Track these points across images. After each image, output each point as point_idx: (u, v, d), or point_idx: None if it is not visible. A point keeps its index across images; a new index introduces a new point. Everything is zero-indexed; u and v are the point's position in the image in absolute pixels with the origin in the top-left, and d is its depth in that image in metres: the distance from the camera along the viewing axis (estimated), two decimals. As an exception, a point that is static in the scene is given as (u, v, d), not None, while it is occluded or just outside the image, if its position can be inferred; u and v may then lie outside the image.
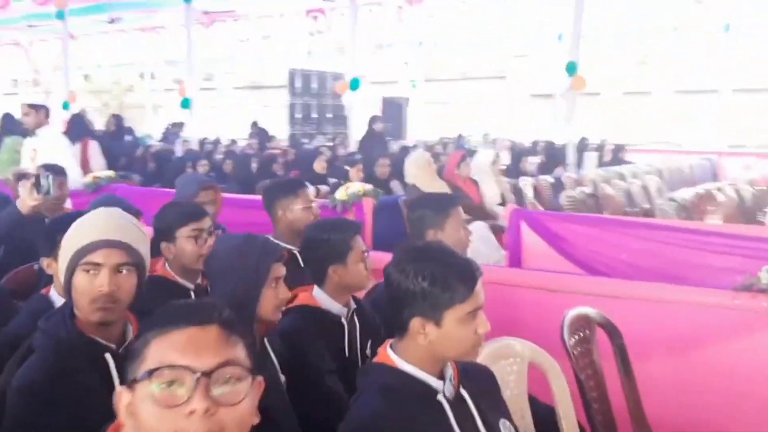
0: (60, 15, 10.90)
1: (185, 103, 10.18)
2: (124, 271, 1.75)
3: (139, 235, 1.81)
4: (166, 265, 2.69)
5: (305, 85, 13.35)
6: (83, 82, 19.96)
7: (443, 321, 1.61)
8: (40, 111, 5.19)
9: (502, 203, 6.64)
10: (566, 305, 3.14)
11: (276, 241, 2.56)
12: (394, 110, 14.38)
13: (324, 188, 6.36)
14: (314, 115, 13.65)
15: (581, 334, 2.55)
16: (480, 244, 5.81)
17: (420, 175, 5.81)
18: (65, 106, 10.83)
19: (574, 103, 8.07)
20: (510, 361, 2.22)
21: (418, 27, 13.90)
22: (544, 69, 15.87)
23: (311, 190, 3.27)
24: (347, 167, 6.15)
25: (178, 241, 2.66)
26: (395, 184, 6.76)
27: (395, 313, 1.65)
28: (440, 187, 5.85)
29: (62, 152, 5.19)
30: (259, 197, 6.19)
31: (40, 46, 16.64)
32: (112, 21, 14.17)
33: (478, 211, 6.12)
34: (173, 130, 14.12)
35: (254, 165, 7.75)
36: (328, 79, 13.52)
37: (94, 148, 7.21)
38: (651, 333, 3.07)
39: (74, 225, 1.79)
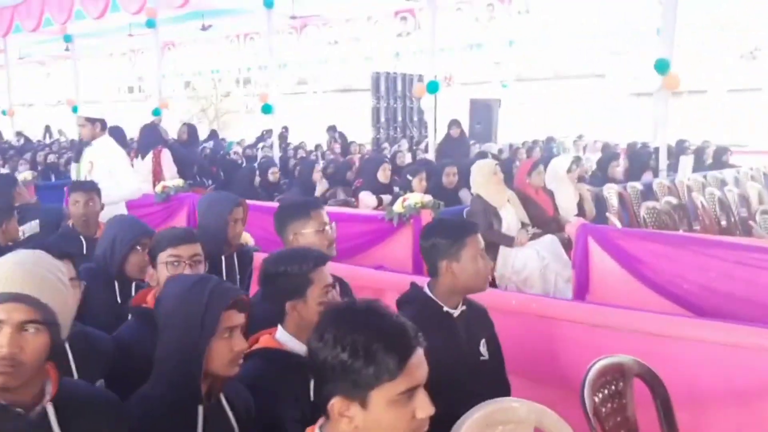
0: (150, 23, 11.14)
1: (266, 109, 10.17)
2: (31, 330, 1.49)
3: (55, 287, 1.55)
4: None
5: (390, 87, 13.14)
6: (184, 89, 20.69)
7: (369, 402, 1.29)
8: (96, 123, 5.19)
9: (582, 214, 6.13)
10: (605, 343, 2.72)
11: (233, 285, 2.20)
12: (484, 112, 13.92)
13: (387, 198, 6.06)
14: (399, 118, 13.41)
15: (612, 388, 2.15)
16: (551, 260, 5.37)
17: (484, 184, 5.43)
18: (156, 112, 11.06)
19: (666, 103, 7.39)
20: (510, 427, 1.84)
21: (510, 25, 13.34)
22: (643, 66, 14.93)
23: (325, 211, 2.95)
24: (409, 176, 5.82)
25: (159, 268, 2.47)
26: (465, 194, 6.37)
27: (317, 391, 1.34)
28: (506, 197, 5.45)
29: (117, 162, 5.17)
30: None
31: (145, 55, 17.24)
32: (204, 28, 14.45)
33: (551, 224, 5.67)
34: (267, 136, 14.31)
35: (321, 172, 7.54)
36: (413, 82, 13.25)
37: (166, 156, 7.27)
38: (712, 381, 2.60)
39: None
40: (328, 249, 2.86)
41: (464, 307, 2.59)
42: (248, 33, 15.70)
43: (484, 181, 5.43)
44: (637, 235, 4.55)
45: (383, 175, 6.29)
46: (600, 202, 6.32)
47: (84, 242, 3.73)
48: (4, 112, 13.91)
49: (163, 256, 2.46)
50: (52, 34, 12.92)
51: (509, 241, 5.28)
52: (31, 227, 4.21)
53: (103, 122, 5.24)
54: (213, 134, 14.73)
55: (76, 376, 2.07)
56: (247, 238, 4.16)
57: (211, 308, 1.76)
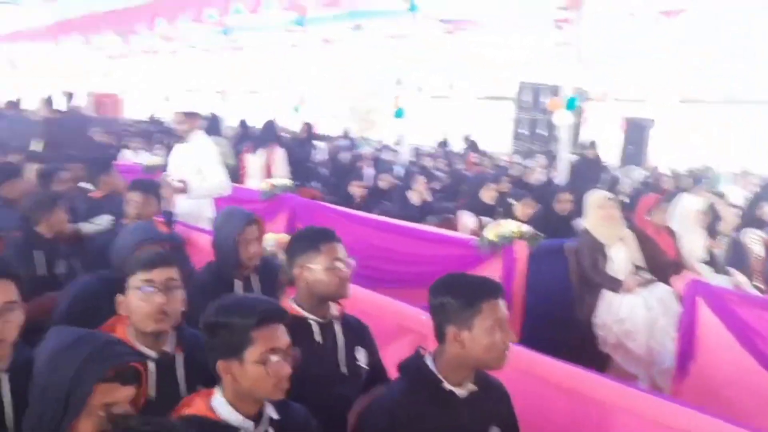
0: (299, 22, 11.29)
1: (398, 114, 9.96)
2: None
3: None
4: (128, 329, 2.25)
5: (534, 99, 12.47)
6: (339, 85, 21.02)
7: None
8: (193, 118, 5.18)
9: (712, 263, 5.33)
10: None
11: (124, 348, 1.78)
12: (636, 132, 12.85)
13: (488, 221, 5.59)
14: (541, 131, 12.69)
15: None
16: (660, 313, 4.67)
17: (592, 217, 4.83)
18: (295, 109, 11.21)
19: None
20: None
21: (674, 41, 12.19)
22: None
23: (340, 245, 2.59)
24: (511, 200, 5.31)
25: (129, 294, 2.22)
26: (579, 224, 5.75)
27: None
28: (619, 235, 4.81)
29: (207, 158, 5.12)
30: (419, 226, 5.70)
31: (294, 52, 17.65)
32: (356, 28, 14.53)
33: (669, 269, 4.94)
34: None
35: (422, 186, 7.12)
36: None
37: (279, 154, 7.26)
38: None
39: None
40: (338, 289, 2.51)
41: (473, 387, 2.15)
42: (400, 34, 15.58)
43: (593, 215, 4.85)
44: (761, 304, 3.76)
45: (487, 194, 5.83)
46: (736, 250, 5.44)
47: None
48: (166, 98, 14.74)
49: (134, 281, 2.23)
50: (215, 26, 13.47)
51: (615, 285, 4.67)
52: (101, 221, 4.14)
53: (199, 116, 5.23)
54: (348, 134, 14.77)
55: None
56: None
57: (82, 380, 1.47)
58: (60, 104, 11.11)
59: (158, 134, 12.89)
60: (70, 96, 11.27)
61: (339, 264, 2.52)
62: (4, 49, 20.36)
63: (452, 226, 5.98)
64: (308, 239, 2.60)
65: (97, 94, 18.52)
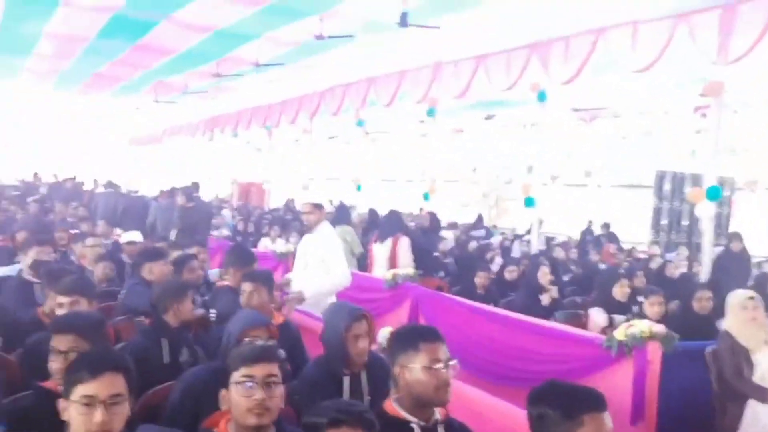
0: (431, 113, 11.55)
1: (529, 202, 9.78)
2: None
3: None
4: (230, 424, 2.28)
5: (675, 188, 11.88)
6: (470, 174, 21.15)
7: None
8: (321, 209, 5.36)
9: None
10: None
11: None
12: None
13: (620, 319, 5.27)
14: (684, 222, 12.00)
15: None
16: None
17: (734, 319, 4.44)
18: (425, 196, 11.32)
19: None
20: None
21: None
22: None
23: (442, 345, 2.50)
24: (641, 298, 4.99)
25: (231, 389, 2.25)
26: (720, 326, 5.29)
27: None
28: (763, 338, 4.37)
29: (331, 249, 5.24)
30: (545, 323, 5.46)
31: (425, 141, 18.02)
32: (488, 117, 14.72)
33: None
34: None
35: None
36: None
37: (404, 244, 7.30)
38: None
39: None
40: (436, 392, 2.41)
41: None
42: (531, 123, 15.59)
43: (734, 316, 4.45)
44: None
45: (620, 291, 5.52)
46: None
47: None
48: (303, 186, 15.43)
49: (235, 376, 2.26)
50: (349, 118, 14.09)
51: (762, 395, 4.22)
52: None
53: (324, 208, 5.40)
54: (479, 220, 14.66)
55: None
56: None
57: None
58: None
59: (294, 222, 13.45)
60: (197, 186, 12.11)
61: (438, 365, 2.43)
62: (167, 142, 22.38)
63: (581, 323, 5.69)
64: (408, 337, 2.54)
65: (242, 183, 19.79)
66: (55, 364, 2.64)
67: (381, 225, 8.04)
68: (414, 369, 2.43)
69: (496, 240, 11.97)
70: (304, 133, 15.70)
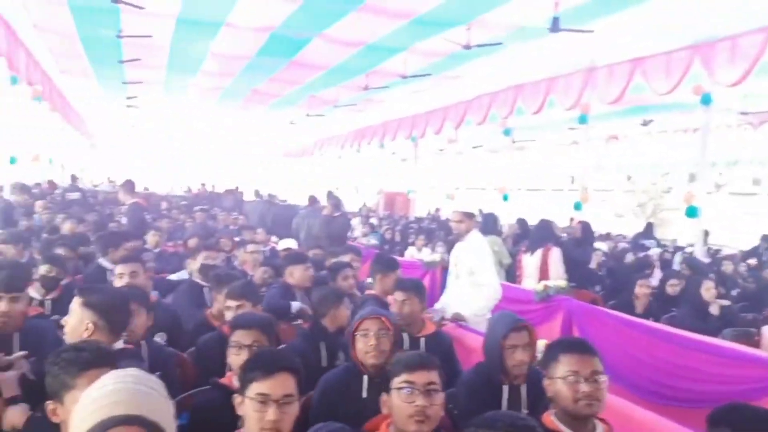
0: (583, 120, 11.19)
1: (691, 212, 9.18)
2: None
3: (159, 402, 1.50)
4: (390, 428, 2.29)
5: None
6: (625, 182, 20.23)
7: None
8: (471, 218, 5.31)
9: None
10: None
11: None
12: None
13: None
14: None
15: None
16: None
17: None
18: (577, 206, 10.95)
19: None
20: None
21: None
22: None
23: (585, 358, 2.38)
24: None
25: (391, 395, 2.27)
26: None
27: None
28: None
29: (480, 260, 5.17)
30: (712, 340, 5.07)
31: (576, 149, 17.47)
32: (645, 123, 14.00)
33: None
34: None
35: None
36: None
37: (555, 255, 7.09)
38: None
39: (84, 394, 1.56)
40: (576, 405, 2.32)
41: None
42: (693, 128, 14.66)
43: None
44: None
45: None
46: None
47: (408, 340, 3.76)
48: (447, 196, 15.45)
49: (396, 381, 2.27)
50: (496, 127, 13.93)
51: None
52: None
53: (475, 216, 5.34)
54: (648, 230, 13.90)
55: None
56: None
57: None
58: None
59: (439, 232, 13.47)
60: (331, 195, 12.45)
61: (574, 377, 2.32)
62: (318, 154, 23.22)
63: (753, 342, 5.24)
64: (552, 348, 2.50)
65: (388, 193, 20.13)
66: (238, 358, 2.78)
67: (531, 235, 7.85)
68: (555, 380, 2.40)
69: (655, 252, 11.31)
70: (449, 143, 15.70)
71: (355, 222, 14.01)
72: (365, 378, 2.97)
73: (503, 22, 8.94)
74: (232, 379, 2.83)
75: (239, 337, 2.84)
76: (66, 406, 1.98)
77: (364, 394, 2.95)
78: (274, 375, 2.17)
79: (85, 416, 1.46)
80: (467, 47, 9.40)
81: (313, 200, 12.27)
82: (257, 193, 16.09)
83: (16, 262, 3.63)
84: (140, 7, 8.37)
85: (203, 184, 18.94)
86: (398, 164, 23.26)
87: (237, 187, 18.29)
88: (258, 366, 2.21)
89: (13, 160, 10.90)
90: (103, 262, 5.76)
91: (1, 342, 3.00)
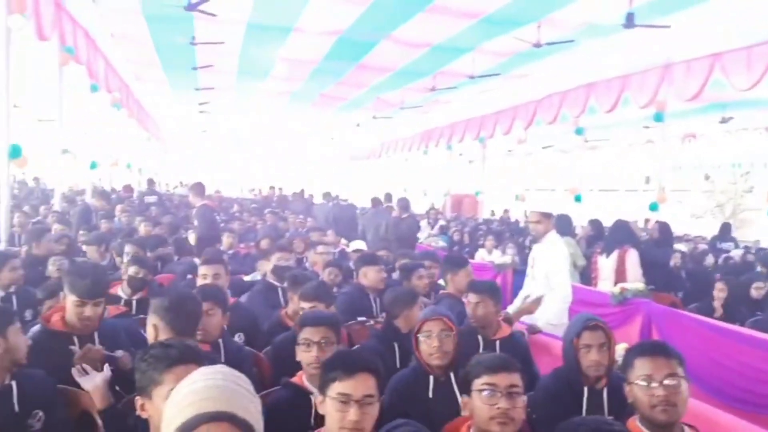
0: (658, 118, 10.86)
1: (776, 212, 8.77)
2: None
3: (247, 399, 1.49)
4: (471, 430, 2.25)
5: None
6: (702, 182, 19.54)
7: None
8: (549, 218, 5.21)
9: None
10: None
11: None
12: None
13: None
14: None
15: None
16: None
17: None
18: (653, 207, 10.62)
19: None
20: None
21: None
22: None
23: (659, 361, 2.27)
24: None
25: (473, 396, 2.21)
26: None
27: None
28: None
29: (555, 263, 5.06)
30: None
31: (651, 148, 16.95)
32: (723, 121, 13.47)
33: None
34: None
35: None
36: None
37: (632, 257, 6.88)
38: None
39: (174, 391, 1.56)
40: (652, 411, 2.26)
41: None
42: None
43: None
44: None
45: None
46: None
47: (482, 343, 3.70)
48: (517, 196, 15.23)
49: (477, 383, 2.23)
50: (567, 126, 13.65)
51: None
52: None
53: (559, 217, 5.23)
54: (725, 231, 13.35)
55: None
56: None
57: None
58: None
59: (509, 233, 13.29)
60: (389, 197, 12.46)
61: (648, 381, 2.28)
62: (384, 156, 23.31)
63: None
64: (630, 352, 2.43)
65: (455, 195, 20.00)
66: (308, 355, 2.79)
67: (607, 236, 7.64)
68: (632, 385, 2.35)
69: (736, 254, 10.84)
70: (518, 144, 15.48)
71: (423, 224, 13.97)
72: (431, 378, 2.96)
73: (575, 20, 8.76)
74: (302, 378, 2.84)
75: (308, 334, 2.85)
76: (154, 401, 2.03)
77: (431, 395, 2.94)
78: (355, 375, 2.17)
79: (175, 413, 1.48)
80: (537, 45, 9.25)
81: (376, 202, 12.31)
82: (325, 196, 16.24)
83: (97, 267, 3.75)
84: (213, 14, 8.56)
85: (272, 187, 19.27)
86: (465, 165, 23.09)
87: (302, 190, 18.51)
88: (339, 366, 2.21)
89: (94, 165, 11.33)
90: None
91: (83, 342, 3.11)
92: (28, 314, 4.53)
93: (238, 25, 10.03)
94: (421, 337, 2.99)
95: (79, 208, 9.56)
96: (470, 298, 3.81)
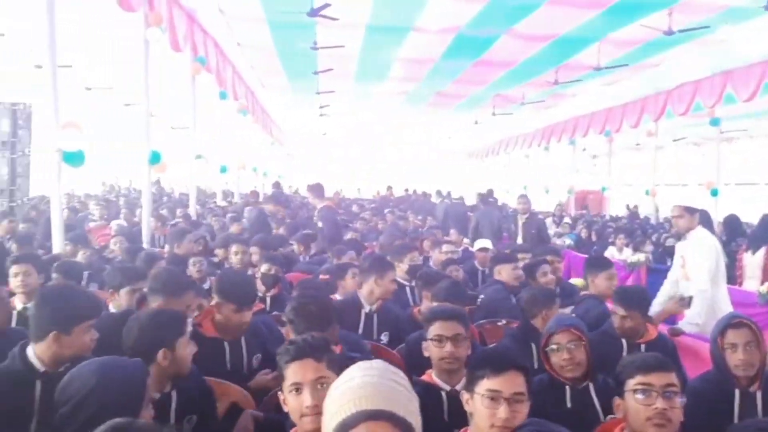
0: (714, 122, 10.20)
1: None
2: None
3: (405, 397, 1.46)
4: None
5: None
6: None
7: None
8: (693, 213, 4.92)
9: None
10: None
11: None
12: None
13: None
14: None
15: None
16: None
17: None
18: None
19: None
20: None
21: None
22: None
23: None
24: None
25: (626, 397, 2.08)
26: None
27: None
28: None
29: (704, 257, 4.75)
30: None
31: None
32: None
33: None
34: None
35: None
36: None
37: (780, 255, 6.37)
38: None
39: (333, 386, 1.55)
40: None
41: None
42: None
43: None
44: None
45: None
46: None
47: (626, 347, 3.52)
48: (647, 192, 14.50)
49: (630, 384, 2.13)
50: (700, 118, 12.89)
51: None
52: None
53: (699, 213, 4.93)
54: None
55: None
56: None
57: None
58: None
59: (640, 230, 12.68)
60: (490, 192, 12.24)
61: None
62: (503, 153, 22.97)
63: None
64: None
65: (579, 191, 19.32)
66: (441, 350, 2.74)
67: (753, 233, 7.12)
68: None
69: None
70: (647, 137, 14.76)
71: (548, 222, 13.60)
72: (567, 388, 2.83)
73: (710, 4, 8.25)
74: (432, 376, 2.80)
75: (440, 329, 2.80)
76: (286, 395, 2.09)
77: (569, 405, 2.82)
78: (505, 372, 2.12)
79: (336, 408, 1.48)
80: (669, 33, 8.78)
81: (485, 199, 12.18)
82: (441, 194, 16.20)
83: (246, 275, 3.97)
84: (335, 18, 8.72)
85: (389, 187, 19.38)
86: (589, 161, 22.34)
87: (416, 190, 18.52)
88: (488, 363, 2.17)
89: (224, 169, 11.83)
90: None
91: (232, 347, 3.25)
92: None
93: (357, 28, 10.17)
94: (550, 351, 2.88)
95: (254, 214, 9.88)
96: (617, 310, 3.63)
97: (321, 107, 17.14)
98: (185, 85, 9.70)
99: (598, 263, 4.91)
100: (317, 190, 8.75)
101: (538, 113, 17.65)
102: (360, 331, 4.08)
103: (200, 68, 9.37)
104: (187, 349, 2.61)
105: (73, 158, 5.31)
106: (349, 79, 14.32)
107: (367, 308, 4.17)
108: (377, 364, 1.60)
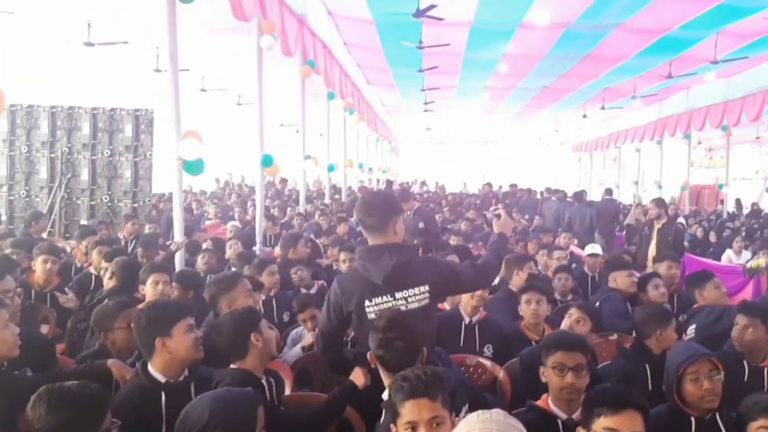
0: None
1: None
2: None
3: None
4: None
5: None
6: None
7: None
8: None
9: None
10: None
11: None
12: None
13: None
14: None
15: None
16: None
17: None
18: None
19: None
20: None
21: None
22: None
23: None
24: None
25: None
26: None
27: None
28: None
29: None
30: None
31: None
32: None
33: None
34: None
35: None
36: None
37: None
38: None
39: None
40: None
41: None
42: None
43: None
44: None
45: None
46: None
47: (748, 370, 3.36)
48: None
49: (754, 426, 2.06)
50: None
51: None
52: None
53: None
54: None
55: None
56: None
57: None
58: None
59: (759, 230, 11.98)
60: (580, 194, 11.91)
61: None
62: (612, 147, 22.24)
63: None
64: None
65: (693, 186, 18.35)
66: (562, 380, 2.65)
67: None
68: None
69: None
70: (768, 130, 13.91)
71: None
72: (692, 420, 2.69)
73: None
74: (548, 402, 2.73)
75: (561, 358, 2.74)
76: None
77: None
78: (622, 411, 2.11)
79: None
80: (793, 23, 8.27)
81: (579, 195, 11.85)
82: (549, 191, 15.82)
83: None
84: (440, 18, 8.75)
85: (488, 184, 18.97)
86: (703, 155, 21.27)
87: (515, 185, 18.09)
88: (606, 401, 2.16)
89: (331, 168, 12.07)
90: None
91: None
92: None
93: (463, 26, 10.15)
94: (686, 380, 2.71)
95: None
96: (739, 320, 3.40)
97: (425, 103, 17.18)
98: (294, 86, 9.95)
99: (698, 278, 4.69)
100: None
101: (651, 106, 17.01)
102: (461, 344, 4.05)
103: (310, 71, 9.58)
104: (270, 332, 2.92)
105: (193, 167, 5.55)
106: (454, 76, 14.31)
107: (467, 320, 4.14)
108: (496, 416, 1.64)
